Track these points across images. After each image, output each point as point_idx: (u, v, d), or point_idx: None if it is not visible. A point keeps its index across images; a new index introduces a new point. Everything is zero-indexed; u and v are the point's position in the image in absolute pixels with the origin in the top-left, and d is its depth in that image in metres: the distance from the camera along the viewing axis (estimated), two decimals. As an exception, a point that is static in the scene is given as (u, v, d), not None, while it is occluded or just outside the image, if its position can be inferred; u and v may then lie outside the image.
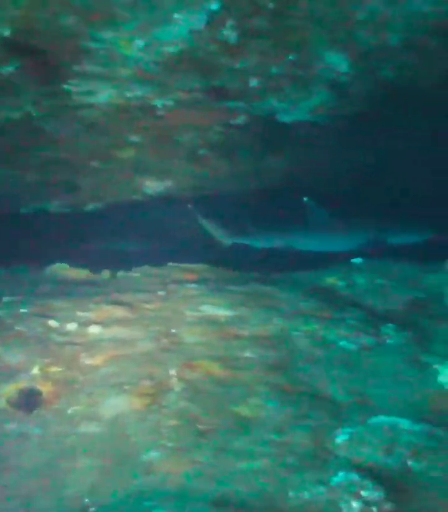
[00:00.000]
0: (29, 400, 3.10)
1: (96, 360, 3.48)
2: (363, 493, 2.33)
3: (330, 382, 3.28)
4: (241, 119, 5.04)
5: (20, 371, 3.33)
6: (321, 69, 4.24)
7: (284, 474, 2.50)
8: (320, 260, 6.01)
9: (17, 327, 3.88)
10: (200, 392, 3.15)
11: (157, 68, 3.96)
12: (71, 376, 3.32)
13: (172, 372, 3.31)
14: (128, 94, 4.37)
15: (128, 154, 5.65)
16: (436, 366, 3.35)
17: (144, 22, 3.44)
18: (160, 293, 4.55)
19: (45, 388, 3.19)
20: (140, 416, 2.96)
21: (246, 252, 7.86)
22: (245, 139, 5.59)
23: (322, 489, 2.37)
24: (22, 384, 3.21)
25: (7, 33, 3.56)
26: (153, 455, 2.67)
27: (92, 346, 3.64)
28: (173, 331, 3.83)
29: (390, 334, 3.84)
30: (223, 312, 4.08)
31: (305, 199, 7.62)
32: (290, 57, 4.04)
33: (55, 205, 6.69)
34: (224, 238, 8.11)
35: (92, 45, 3.69)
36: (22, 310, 4.15)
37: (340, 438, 2.74)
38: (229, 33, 3.64)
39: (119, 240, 7.86)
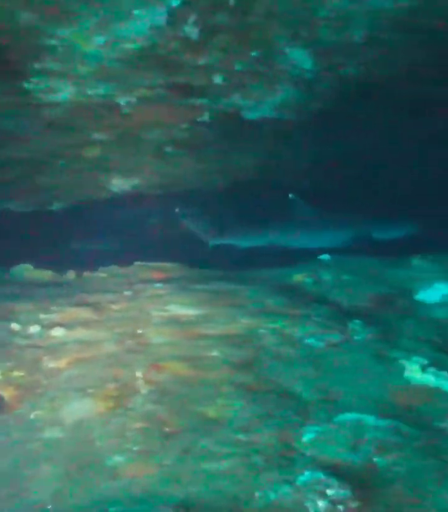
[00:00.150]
0: (-9, 406, 3.04)
1: (60, 363, 3.42)
2: (329, 491, 2.32)
3: (296, 380, 3.27)
4: (206, 116, 5.01)
5: (-19, 376, 3.27)
6: (285, 66, 4.23)
7: (250, 475, 2.48)
8: (288, 256, 6.00)
9: (-22, 331, 3.81)
10: (167, 393, 3.12)
11: (118, 65, 3.91)
12: (34, 380, 3.26)
13: (138, 373, 3.28)
14: (90, 92, 4.31)
15: (93, 152, 5.58)
16: (402, 361, 3.36)
17: (103, 18, 3.38)
18: (127, 293, 4.50)
19: (7, 393, 3.13)
20: (104, 420, 2.91)
21: (230, 252, 7.82)
22: (211, 136, 5.57)
23: (287, 489, 2.35)
24: (-17, 389, 3.15)
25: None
26: (118, 459, 2.63)
27: (55, 348, 3.58)
28: (139, 331, 3.79)
29: (357, 330, 3.85)
30: (189, 312, 4.05)
31: (290, 195, 7.61)
32: (254, 54, 4.03)
33: (18, 205, 6.57)
34: (210, 239, 8.05)
35: (51, 42, 3.62)
36: (-17, 313, 4.07)
37: (307, 437, 2.73)
38: (191, 30, 3.61)
39: (85, 239, 7.77)
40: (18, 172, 5.81)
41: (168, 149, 5.72)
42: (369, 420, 2.81)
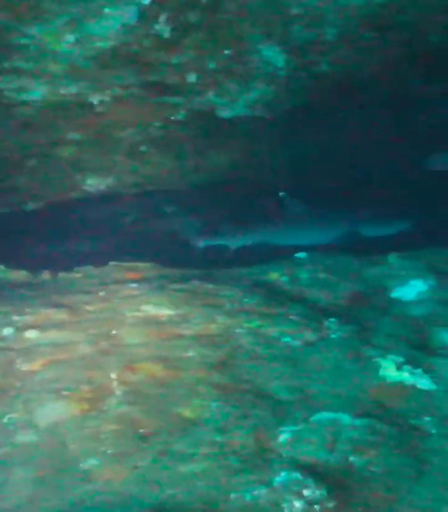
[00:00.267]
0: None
1: (33, 365, 3.37)
2: (305, 492, 2.31)
3: (273, 380, 3.26)
4: (181, 115, 4.99)
5: None
6: (258, 64, 4.22)
7: (225, 476, 2.47)
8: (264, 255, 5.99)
9: None
10: (142, 394, 3.09)
11: (90, 63, 3.86)
12: (7, 383, 3.20)
13: (113, 375, 3.24)
14: (62, 91, 4.25)
15: (67, 151, 5.51)
16: (378, 359, 3.37)
17: (74, 16, 3.34)
18: (101, 293, 4.45)
19: (-21, 397, 3.08)
20: (79, 422, 2.88)
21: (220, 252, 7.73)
22: (186, 135, 5.54)
23: (264, 490, 2.34)
24: (-45, 393, 3.09)
25: None
26: (92, 462, 2.61)
27: (29, 351, 3.52)
28: (113, 332, 3.75)
29: (333, 329, 3.85)
30: (165, 312, 4.01)
31: (281, 193, 7.58)
32: (227, 52, 4.02)
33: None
34: (198, 241, 7.95)
35: (21, 40, 3.56)
36: None
37: (283, 437, 2.72)
38: (163, 28, 3.59)
39: (60, 240, 7.67)
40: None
41: (143, 148, 5.68)
42: (345, 419, 2.81)
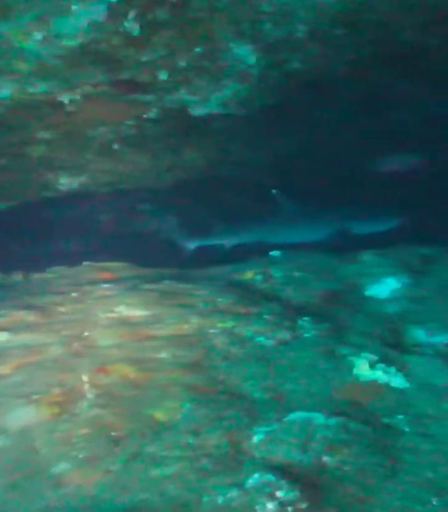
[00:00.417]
0: None
1: (4, 369, 3.32)
2: (278, 493, 2.29)
3: (246, 380, 3.24)
4: (153, 113, 4.94)
5: None
6: (229, 61, 4.20)
7: (198, 479, 2.45)
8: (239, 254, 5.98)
9: None
10: (114, 397, 3.05)
11: (58, 61, 3.80)
12: (-24, 387, 3.15)
13: (84, 377, 3.20)
14: (31, 90, 4.18)
15: (39, 150, 5.44)
16: (351, 358, 3.37)
17: (41, 14, 3.28)
18: (74, 294, 4.40)
19: None
20: (50, 426, 2.84)
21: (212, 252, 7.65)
22: (159, 133, 5.50)
23: (236, 492, 2.32)
24: None
25: None
26: (63, 466, 2.57)
27: (-1, 354, 3.47)
28: (86, 334, 3.71)
29: (307, 327, 3.84)
30: (138, 313, 3.98)
31: (273, 191, 7.54)
32: (198, 50, 3.99)
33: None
34: (188, 243, 7.85)
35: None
36: None
37: (256, 438, 2.70)
38: (132, 26, 3.54)
39: (32, 240, 7.59)
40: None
41: (116, 146, 5.63)
42: (319, 418, 2.80)
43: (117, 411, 2.93)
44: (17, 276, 5.25)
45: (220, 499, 2.29)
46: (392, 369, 3.23)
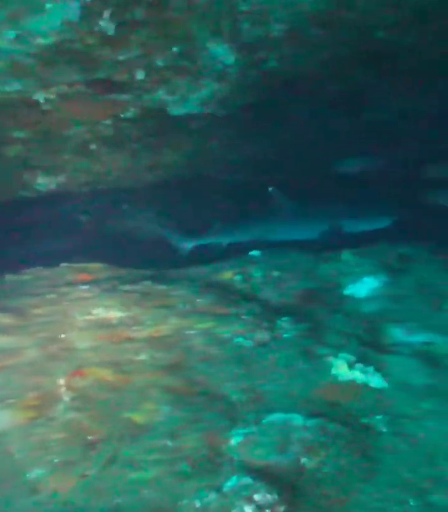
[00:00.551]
0: None
1: (-22, 373, 3.26)
2: (256, 496, 2.28)
3: (225, 381, 3.23)
4: (131, 113, 4.90)
5: None
6: (207, 61, 4.18)
7: (175, 483, 2.43)
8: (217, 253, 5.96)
9: None
10: (91, 400, 3.01)
11: (32, 60, 3.75)
12: None
13: (61, 381, 3.15)
14: (6, 89, 4.12)
15: (15, 150, 5.37)
16: (330, 358, 3.36)
17: (13, 12, 3.22)
18: (51, 296, 4.34)
19: None
20: (25, 431, 2.79)
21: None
22: (138, 133, 5.47)
23: (214, 495, 2.30)
24: None
25: None
26: (39, 472, 2.54)
27: (-27, 357, 3.41)
28: (62, 336, 3.66)
29: (286, 328, 3.83)
30: (116, 314, 3.94)
31: (270, 188, 7.50)
32: (175, 49, 3.97)
33: None
34: (185, 242, 7.76)
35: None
36: None
37: (234, 440, 2.69)
38: (107, 25, 3.50)
39: (9, 240, 7.48)
40: None
41: (94, 146, 5.58)
42: (297, 419, 2.79)
43: (94, 414, 2.90)
44: (-7, 278, 5.17)
45: (197, 503, 2.27)
46: (371, 369, 3.23)
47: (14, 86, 4.09)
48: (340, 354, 3.36)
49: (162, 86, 4.48)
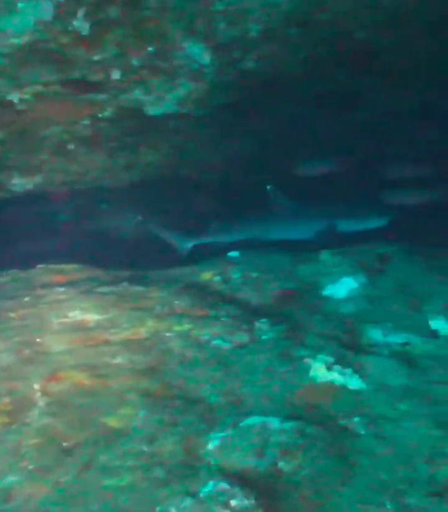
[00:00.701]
0: None
1: None
2: (232, 502, 2.26)
3: (203, 384, 3.20)
4: (108, 112, 4.85)
5: None
6: (183, 61, 4.16)
7: (151, 489, 2.40)
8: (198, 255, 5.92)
9: None
10: (66, 405, 2.97)
11: (5, 60, 3.69)
12: None
13: (36, 386, 3.11)
14: (-22, 89, 4.06)
15: (-11, 151, 5.29)
16: (308, 360, 3.35)
17: (-16, 11, 3.17)
18: (27, 299, 4.29)
19: None
20: (-2, 437, 2.74)
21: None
22: (115, 132, 5.41)
23: (190, 502, 2.28)
24: None
25: None
26: (12, 479, 2.50)
27: None
28: (38, 340, 3.61)
29: (264, 329, 3.81)
30: (92, 317, 3.89)
31: (268, 187, 7.45)
32: (150, 49, 3.93)
33: None
34: (184, 242, 7.69)
35: None
36: None
37: (212, 444, 2.67)
38: (81, 24, 3.45)
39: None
40: None
41: (71, 146, 5.52)
42: (275, 422, 2.77)
43: (69, 420, 2.86)
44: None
45: (173, 510, 2.25)
46: (349, 370, 3.22)
47: (-15, 87, 4.04)
48: (319, 356, 3.36)
49: (138, 86, 4.44)
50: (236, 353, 3.54)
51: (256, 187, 7.57)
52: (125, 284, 4.58)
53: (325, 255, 5.33)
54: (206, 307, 4.12)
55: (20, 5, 3.19)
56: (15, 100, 4.28)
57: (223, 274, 4.88)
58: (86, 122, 5.00)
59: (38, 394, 3.04)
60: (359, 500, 2.35)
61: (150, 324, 3.81)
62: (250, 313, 4.11)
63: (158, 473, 2.49)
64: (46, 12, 3.25)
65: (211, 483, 2.37)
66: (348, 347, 3.60)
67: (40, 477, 2.50)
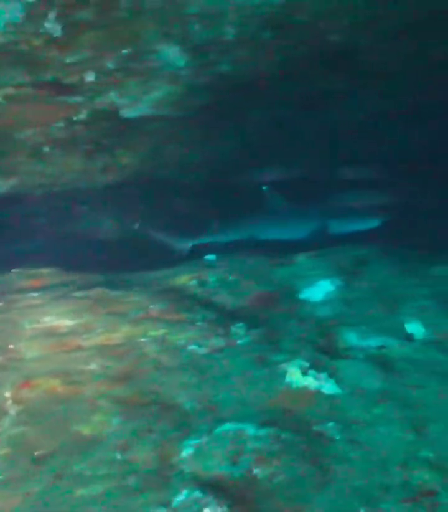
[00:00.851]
0: None
1: None
2: (206, 510, 2.23)
3: (178, 390, 3.17)
4: (83, 115, 4.80)
5: None
6: (158, 63, 4.12)
7: (124, 498, 2.37)
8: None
9: None
10: (38, 413, 2.93)
11: (-26, 63, 3.63)
12: None
13: (7, 393, 3.07)
14: None
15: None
16: (284, 365, 3.33)
17: None
18: (0, 304, 4.22)
19: None
20: (-33, 448, 2.69)
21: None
22: (91, 135, 5.36)
23: (162, 511, 2.24)
24: None
25: None
26: (-19, 490, 2.44)
27: None
28: (10, 346, 3.56)
29: (240, 334, 3.79)
30: (66, 322, 3.85)
31: (263, 187, 7.44)
32: (125, 51, 3.89)
33: None
34: (183, 243, 7.64)
35: None
36: None
37: (186, 452, 2.64)
38: (53, 27, 3.40)
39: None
40: None
41: (46, 148, 5.46)
42: (250, 428, 2.75)
43: (41, 428, 2.82)
44: None
45: (145, 520, 2.22)
46: (324, 375, 3.20)
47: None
48: (294, 361, 3.33)
49: (113, 89, 4.40)
50: (212, 358, 3.51)
51: (235, 188, 7.59)
52: (100, 288, 4.53)
53: (301, 258, 5.33)
54: (182, 311, 4.09)
55: (-11, 7, 3.13)
56: (-14, 103, 4.22)
57: (200, 277, 4.85)
58: (61, 124, 4.95)
59: (9, 402, 3.00)
60: (334, 507, 2.33)
61: (125, 329, 3.78)
62: (226, 317, 4.09)
63: (132, 481, 2.46)
64: (16, 13, 3.18)
65: (184, 491, 2.34)
66: (324, 351, 3.59)
67: (11, 488, 2.46)
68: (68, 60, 3.82)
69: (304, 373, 3.21)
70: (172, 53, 4.00)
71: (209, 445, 2.67)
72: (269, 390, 3.14)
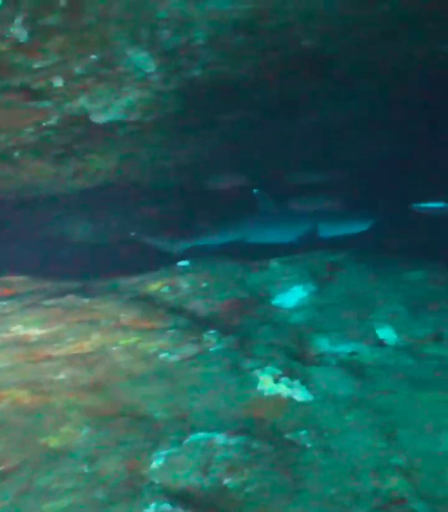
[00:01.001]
0: None
1: None
2: (174, 523, 2.20)
3: (149, 400, 3.13)
4: (54, 120, 4.72)
5: None
6: (128, 68, 4.08)
7: (91, 512, 2.31)
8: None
9: None
10: (4, 425, 2.87)
11: None
12: None
13: (-27, 405, 2.99)
14: None
15: None
16: (256, 372, 3.31)
17: None
18: (-34, 313, 4.14)
19: None
20: None
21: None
22: (62, 140, 5.29)
23: (131, 525, 2.21)
24: None
25: None
26: None
27: None
28: (-23, 357, 3.48)
29: (212, 341, 3.76)
30: (36, 331, 3.79)
31: (255, 190, 7.40)
32: (93, 57, 3.84)
33: None
34: (178, 247, 7.58)
35: None
36: None
37: (156, 463, 2.60)
38: (19, 31, 3.34)
39: None
40: None
41: (17, 153, 5.38)
42: (220, 438, 2.72)
43: (7, 441, 2.76)
44: None
45: (113, 534, 2.18)
46: (296, 382, 3.19)
47: None
48: (266, 368, 3.32)
49: (82, 94, 4.34)
50: (183, 366, 3.48)
51: (207, 193, 7.58)
52: (72, 296, 4.47)
53: (275, 264, 5.31)
54: (153, 319, 4.05)
55: None
56: None
57: (172, 284, 4.80)
58: (31, 130, 4.87)
59: (-25, 415, 2.93)
60: (307, 516, 2.32)
61: (96, 337, 3.72)
62: (199, 324, 4.06)
63: (99, 494, 2.41)
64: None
65: (154, 504, 2.30)
66: (296, 358, 3.58)
67: (-25, 503, 2.40)
68: (35, 66, 3.75)
69: (276, 380, 3.19)
70: (142, 59, 3.96)
71: (179, 456, 2.63)
72: (241, 399, 3.11)
